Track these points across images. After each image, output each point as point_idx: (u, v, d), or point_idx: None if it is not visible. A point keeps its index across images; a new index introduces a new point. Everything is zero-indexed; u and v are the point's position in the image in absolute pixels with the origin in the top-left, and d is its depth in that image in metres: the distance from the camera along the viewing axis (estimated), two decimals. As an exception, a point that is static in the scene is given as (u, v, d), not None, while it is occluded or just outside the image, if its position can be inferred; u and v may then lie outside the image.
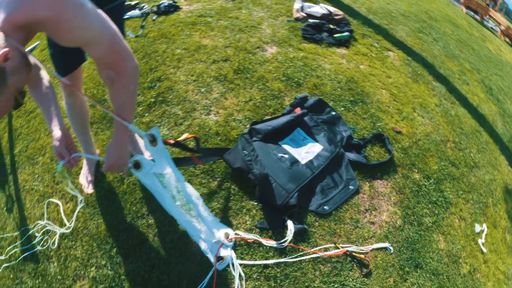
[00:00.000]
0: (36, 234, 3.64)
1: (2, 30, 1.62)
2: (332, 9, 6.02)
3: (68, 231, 3.54)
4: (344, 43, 5.36)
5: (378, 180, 3.61)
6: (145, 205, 3.53)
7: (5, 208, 4.08)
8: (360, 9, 6.86)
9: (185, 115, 4.19)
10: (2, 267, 3.59)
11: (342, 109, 4.21)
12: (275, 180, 3.28)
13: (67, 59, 2.92)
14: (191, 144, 3.47)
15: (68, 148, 2.32)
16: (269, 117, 4.02)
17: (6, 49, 1.56)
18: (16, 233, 3.78)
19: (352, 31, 5.61)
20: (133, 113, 2.48)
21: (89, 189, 3.72)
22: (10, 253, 3.66)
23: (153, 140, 2.56)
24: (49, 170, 4.10)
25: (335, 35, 5.38)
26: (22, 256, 3.55)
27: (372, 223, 3.32)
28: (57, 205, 3.76)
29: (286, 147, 3.57)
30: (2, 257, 3.69)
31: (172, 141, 2.91)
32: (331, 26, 5.57)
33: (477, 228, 3.64)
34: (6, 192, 4.25)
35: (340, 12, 6.01)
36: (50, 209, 3.78)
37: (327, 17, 5.78)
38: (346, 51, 5.26)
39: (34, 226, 3.73)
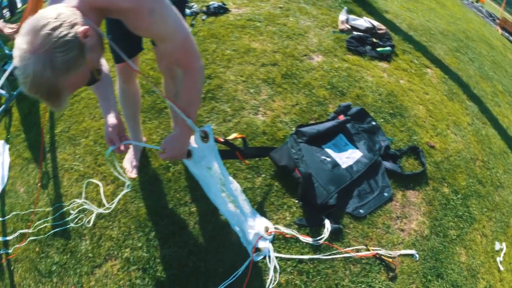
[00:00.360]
0: (71, 212, 3.77)
1: (78, 9, 1.76)
2: (375, 23, 6.16)
3: (107, 211, 3.68)
4: (386, 57, 5.50)
5: (411, 190, 3.74)
6: (189, 193, 3.65)
7: (39, 184, 4.21)
8: (401, 25, 6.98)
9: (233, 112, 4.36)
10: (29, 239, 3.71)
11: (382, 120, 4.35)
12: (317, 180, 3.44)
13: (125, 47, 2.92)
14: (238, 141, 3.67)
15: (120, 135, 2.45)
16: (314, 121, 4.19)
17: (87, 26, 1.70)
18: (48, 209, 3.92)
19: (393, 46, 5.76)
20: (197, 111, 2.66)
21: (132, 174, 3.90)
22: (39, 227, 3.78)
23: (204, 137, 2.68)
24: (91, 152, 4.27)
25: (377, 49, 5.54)
26: (52, 231, 3.69)
27: (402, 230, 3.45)
28: (96, 185, 3.92)
29: (328, 151, 3.74)
30: (30, 230, 3.82)
31: (222, 140, 3.05)
32: (374, 40, 5.71)
33: (497, 246, 3.75)
34: (43, 169, 4.39)
35: (383, 27, 6.14)
36: (88, 189, 3.92)
37: (371, 31, 5.92)
38: (387, 65, 5.41)
39: (70, 204, 3.85)
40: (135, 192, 3.75)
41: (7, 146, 4.94)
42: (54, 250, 3.57)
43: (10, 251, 3.79)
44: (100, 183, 3.93)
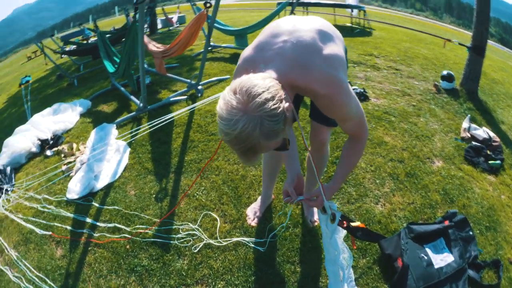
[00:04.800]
0: (181, 232, 4.25)
1: (280, 83, 1.97)
2: (491, 134, 6.48)
3: (217, 244, 4.06)
4: (494, 170, 5.75)
5: None
6: (298, 255, 3.96)
7: (154, 195, 4.86)
8: None
9: (358, 197, 4.75)
10: (122, 235, 4.25)
11: (477, 232, 4.45)
12: (412, 273, 3.68)
13: None
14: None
15: (297, 190, 2.71)
16: (422, 222, 4.45)
17: (289, 103, 1.90)
18: (155, 219, 4.44)
19: (503, 160, 6.00)
20: (347, 175, 2.92)
21: (253, 222, 4.30)
22: (139, 230, 4.29)
23: (332, 219, 2.89)
24: (217, 189, 4.85)
25: (489, 162, 5.84)
26: (152, 239, 4.15)
27: (468, 334, 3.44)
28: (213, 219, 4.40)
29: (428, 250, 3.96)
30: (128, 229, 4.34)
31: (345, 225, 3.17)
32: (488, 152, 6.02)
33: None
34: (162, 185, 5.03)
35: (497, 139, 6.44)
36: (205, 219, 4.41)
37: (487, 142, 6.27)
38: (494, 179, 5.61)
39: (182, 224, 4.34)
40: (248, 236, 4.15)
41: (128, 149, 5.60)
42: (146, 255, 4.02)
43: (95, 234, 4.34)
44: (218, 218, 4.40)
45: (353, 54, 10.57)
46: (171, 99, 7.13)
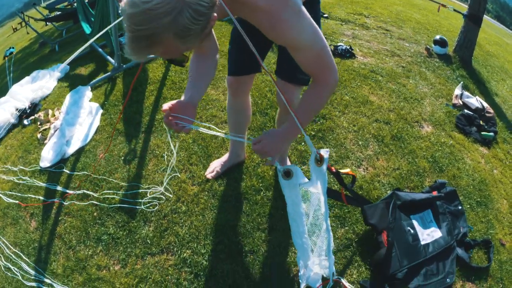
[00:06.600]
0: (148, 196, 4.02)
1: None
2: (485, 104, 6.23)
3: (183, 208, 3.83)
4: (487, 142, 5.49)
5: (470, 283, 3.59)
6: (270, 221, 3.73)
7: (122, 158, 4.56)
8: (507, 111, 6.95)
9: (338, 159, 4.47)
10: (89, 202, 4.04)
11: (468, 206, 4.24)
12: (396, 250, 3.40)
13: (242, 62, 3.06)
14: (346, 180, 3.43)
15: (178, 113, 2.20)
16: (408, 190, 4.18)
17: (215, 14, 1.60)
18: (123, 183, 4.21)
19: (496, 133, 5.75)
20: (307, 124, 2.59)
21: (209, 175, 4.09)
22: (107, 196, 4.09)
23: (319, 160, 2.44)
24: (187, 149, 4.53)
25: (482, 133, 5.57)
26: (118, 205, 3.97)
27: (452, 316, 3.35)
28: (181, 181, 4.15)
29: (414, 222, 3.66)
30: (96, 194, 4.13)
31: (334, 170, 2.79)
32: (481, 123, 5.76)
33: None
34: (131, 146, 4.72)
35: (491, 111, 6.19)
36: (172, 181, 4.15)
37: (480, 112, 6.00)
38: (486, 151, 5.35)
39: (149, 187, 4.10)
40: (219, 202, 3.90)
41: (101, 111, 5.31)
42: (112, 222, 3.84)
43: (65, 203, 4.12)
44: (186, 180, 4.15)
45: (342, 12, 10.13)
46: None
